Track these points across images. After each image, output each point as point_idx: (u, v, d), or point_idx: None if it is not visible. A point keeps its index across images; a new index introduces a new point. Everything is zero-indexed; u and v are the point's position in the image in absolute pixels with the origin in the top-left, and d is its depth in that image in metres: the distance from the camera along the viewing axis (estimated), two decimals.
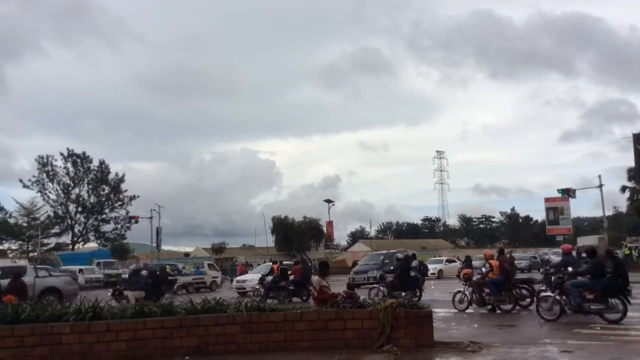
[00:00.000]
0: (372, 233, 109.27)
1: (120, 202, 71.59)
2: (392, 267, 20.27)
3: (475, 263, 30.90)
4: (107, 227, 71.53)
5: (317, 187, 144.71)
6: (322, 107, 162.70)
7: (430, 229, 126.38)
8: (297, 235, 65.95)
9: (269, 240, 69.32)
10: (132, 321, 8.87)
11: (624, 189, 69.43)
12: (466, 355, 8.38)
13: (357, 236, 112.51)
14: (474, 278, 16.17)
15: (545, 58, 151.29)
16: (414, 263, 20.17)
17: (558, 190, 51.85)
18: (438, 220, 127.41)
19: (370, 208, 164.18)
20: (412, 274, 19.26)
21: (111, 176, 70.95)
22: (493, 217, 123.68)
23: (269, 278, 21.85)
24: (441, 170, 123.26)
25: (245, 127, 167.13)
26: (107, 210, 71.46)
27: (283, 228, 66.49)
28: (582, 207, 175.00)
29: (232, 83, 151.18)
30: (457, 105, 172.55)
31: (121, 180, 71.52)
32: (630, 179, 64.61)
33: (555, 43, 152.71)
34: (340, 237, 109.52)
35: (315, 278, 10.62)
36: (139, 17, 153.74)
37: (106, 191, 70.92)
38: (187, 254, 75.90)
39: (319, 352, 8.62)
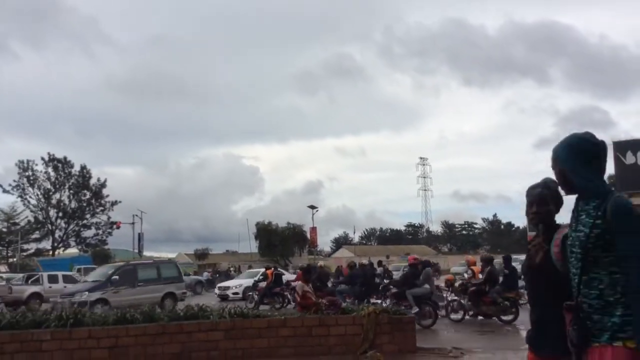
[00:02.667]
0: (356, 239, 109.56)
1: (101, 208, 70.77)
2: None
3: (457, 269, 31.20)
4: (88, 233, 70.69)
5: (299, 192, 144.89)
6: (305, 113, 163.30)
7: (413, 235, 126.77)
8: (280, 241, 65.77)
9: (252, 246, 69.11)
10: (113, 328, 8.80)
11: None
12: None
13: (341, 242, 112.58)
14: (456, 284, 16.29)
15: (519, 66, 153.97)
16: (379, 270, 20.21)
17: None
18: (421, 226, 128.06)
19: (352, 214, 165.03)
20: (377, 281, 19.36)
21: (93, 181, 70.20)
22: (475, 224, 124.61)
23: (263, 284, 21.19)
24: (424, 177, 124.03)
25: (228, 132, 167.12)
26: (88, 216, 70.63)
27: (267, 234, 66.25)
28: (561, 214, 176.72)
29: (213, 87, 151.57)
30: (435, 112, 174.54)
31: (103, 185, 70.76)
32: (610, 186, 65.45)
33: (528, 51, 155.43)
34: (324, 243, 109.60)
35: (298, 283, 10.62)
36: (116, 20, 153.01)
37: (87, 196, 70.08)
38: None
39: (302, 358, 8.62)
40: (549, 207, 3.14)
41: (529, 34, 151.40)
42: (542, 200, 3.14)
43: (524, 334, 11.98)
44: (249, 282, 26.26)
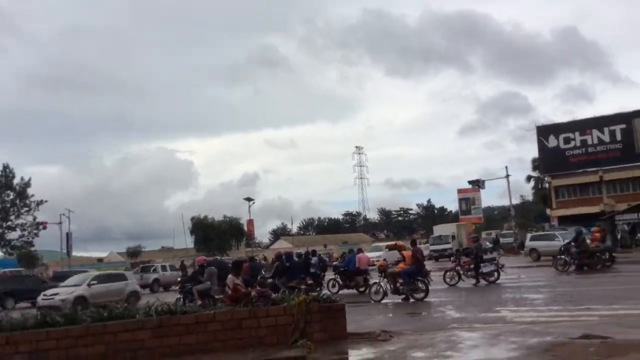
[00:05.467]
0: (294, 230, 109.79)
1: (26, 208, 67.21)
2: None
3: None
4: (13, 235, 67.03)
5: (235, 185, 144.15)
6: (238, 105, 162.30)
7: (351, 224, 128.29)
8: (217, 235, 64.97)
9: (188, 241, 67.87)
10: (33, 332, 8.43)
11: (529, 178, 73.52)
12: (377, 345, 8.57)
13: (279, 233, 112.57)
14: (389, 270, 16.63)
15: (440, 55, 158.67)
16: (314, 260, 20.30)
17: (468, 181, 54.15)
18: (358, 214, 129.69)
19: (289, 205, 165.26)
20: (312, 270, 19.51)
21: (16, 181, 66.70)
22: (411, 210, 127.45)
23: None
24: (360, 166, 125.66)
25: (161, 126, 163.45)
26: (12, 217, 66.95)
27: (202, 228, 65.28)
28: (489, 197, 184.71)
29: (141, 81, 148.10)
30: (365, 102, 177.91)
31: (27, 184, 67.26)
32: (534, 169, 68.66)
33: (448, 40, 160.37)
34: (262, 234, 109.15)
35: (229, 277, 10.47)
36: (29, 11, 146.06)
37: (11, 197, 66.51)
38: (100, 260, 72.98)
39: (232, 352, 8.53)
40: None
41: (447, 23, 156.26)
42: None
43: (452, 314, 12.42)
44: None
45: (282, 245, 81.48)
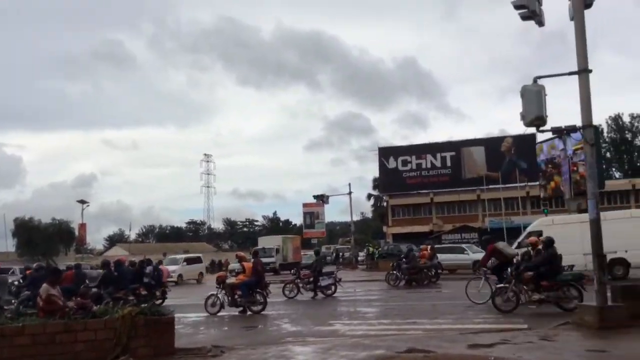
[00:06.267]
0: (132, 236, 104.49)
1: None
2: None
3: (235, 265, 31.12)
4: None
5: (69, 186, 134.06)
6: (79, 101, 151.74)
7: (194, 233, 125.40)
8: (43, 239, 59.52)
9: (9, 245, 61.28)
10: None
11: (369, 196, 77.58)
12: None
13: (116, 240, 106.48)
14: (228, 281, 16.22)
15: (291, 70, 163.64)
16: (148, 269, 19.38)
17: (313, 196, 55.50)
18: (203, 223, 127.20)
19: (128, 210, 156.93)
20: (146, 280, 18.60)
21: None
22: (256, 221, 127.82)
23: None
24: (208, 174, 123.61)
25: None
26: None
27: (27, 230, 59.45)
28: (332, 212, 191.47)
29: None
30: (216, 110, 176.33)
31: None
32: (375, 187, 72.57)
33: (299, 57, 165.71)
34: (96, 240, 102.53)
35: (43, 286, 9.31)
36: None
37: None
38: None
39: None
40: None
41: (299, 41, 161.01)
42: None
43: (287, 327, 12.33)
44: None
45: (118, 252, 76.88)
